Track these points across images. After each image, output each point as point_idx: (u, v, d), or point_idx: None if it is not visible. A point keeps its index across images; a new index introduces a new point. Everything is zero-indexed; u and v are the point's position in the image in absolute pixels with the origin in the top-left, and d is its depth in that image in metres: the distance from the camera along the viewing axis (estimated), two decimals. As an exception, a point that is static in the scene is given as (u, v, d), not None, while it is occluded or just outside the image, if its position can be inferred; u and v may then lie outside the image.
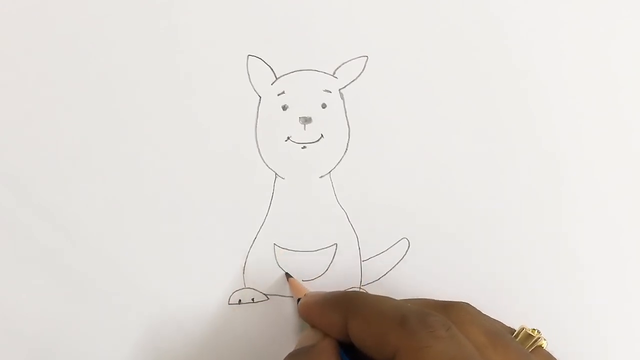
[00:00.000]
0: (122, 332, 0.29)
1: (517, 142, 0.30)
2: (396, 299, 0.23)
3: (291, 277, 0.29)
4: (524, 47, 0.30)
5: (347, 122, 0.29)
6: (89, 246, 0.28)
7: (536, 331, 0.24)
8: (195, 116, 0.28)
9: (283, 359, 0.23)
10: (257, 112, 0.29)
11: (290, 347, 0.28)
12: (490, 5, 0.30)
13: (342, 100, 0.29)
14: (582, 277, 0.31)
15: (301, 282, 0.29)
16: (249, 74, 0.29)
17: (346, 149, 0.29)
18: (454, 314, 0.22)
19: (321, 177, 0.29)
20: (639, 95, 0.31)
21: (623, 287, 0.32)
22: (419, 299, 0.24)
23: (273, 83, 0.29)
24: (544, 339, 0.24)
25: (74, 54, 0.28)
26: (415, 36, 0.29)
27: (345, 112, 0.29)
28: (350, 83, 0.29)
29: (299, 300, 0.27)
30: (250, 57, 0.28)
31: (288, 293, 0.29)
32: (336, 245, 0.30)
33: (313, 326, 0.25)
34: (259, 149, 0.29)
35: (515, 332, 0.25)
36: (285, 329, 0.29)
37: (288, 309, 0.29)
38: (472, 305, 0.24)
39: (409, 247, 0.30)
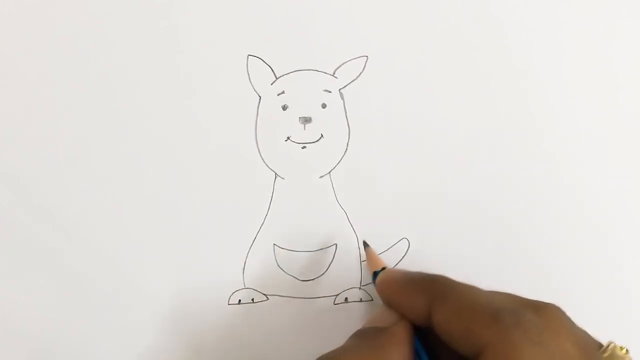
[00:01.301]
0: (122, 332, 0.29)
1: (517, 142, 0.30)
2: (484, 289, 0.22)
3: (368, 246, 0.28)
4: (524, 47, 0.30)
5: (347, 122, 0.29)
6: (89, 246, 0.28)
7: (625, 350, 0.23)
8: (195, 116, 0.28)
9: (350, 337, 0.22)
10: (257, 112, 0.29)
11: (290, 347, 0.28)
12: (490, 5, 0.30)
13: (342, 100, 0.29)
14: (582, 277, 0.31)
15: (378, 254, 0.28)
16: (249, 74, 0.29)
17: (346, 149, 0.29)
18: (545, 317, 0.20)
19: (321, 177, 0.29)
20: (639, 94, 0.31)
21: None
22: (507, 293, 0.22)
23: (273, 83, 0.29)
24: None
25: (74, 54, 0.28)
26: (415, 36, 0.29)
27: (345, 112, 0.29)
28: (350, 83, 0.29)
29: (374, 273, 0.26)
30: (250, 57, 0.28)
31: (288, 293, 0.29)
32: (336, 245, 0.30)
33: (389, 305, 0.24)
34: (259, 149, 0.29)
35: (603, 348, 0.24)
36: (285, 329, 0.29)
37: (288, 309, 0.29)
38: (562, 309, 0.22)
39: (409, 247, 0.30)
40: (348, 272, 0.30)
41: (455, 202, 0.30)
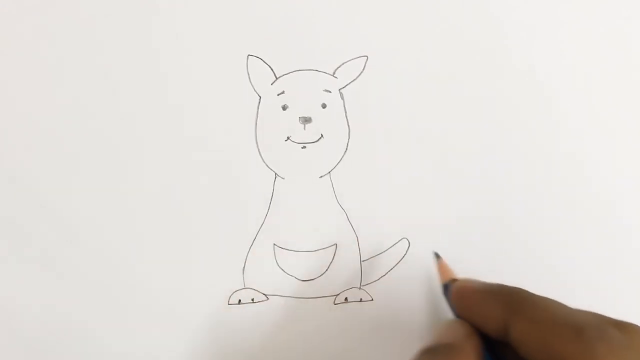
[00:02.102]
0: (121, 332, 0.29)
1: (517, 142, 0.30)
2: (564, 304, 0.21)
3: (440, 257, 0.28)
4: (524, 47, 0.30)
5: (347, 122, 0.29)
6: (89, 246, 0.28)
7: None
8: (195, 116, 0.28)
9: (419, 353, 0.21)
10: (257, 112, 0.29)
11: (290, 347, 0.28)
12: (490, 5, 0.30)
13: (342, 100, 0.29)
14: (587, 278, 0.31)
15: (448, 266, 0.27)
16: (249, 74, 0.29)
17: (346, 149, 0.29)
18: (629, 335, 0.20)
19: (321, 177, 0.29)
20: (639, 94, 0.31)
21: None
22: (589, 311, 0.21)
23: (273, 83, 0.29)
24: None
25: (75, 54, 0.28)
26: (415, 36, 0.29)
27: (345, 112, 0.29)
28: (350, 83, 0.29)
29: (445, 285, 0.25)
30: (250, 57, 0.28)
31: (288, 293, 0.29)
32: (336, 245, 0.30)
33: (462, 316, 0.23)
34: (259, 149, 0.29)
35: None
36: (285, 329, 0.29)
37: (288, 309, 0.29)
38: None
39: (409, 247, 0.30)
40: (348, 272, 0.30)
41: (455, 201, 0.30)
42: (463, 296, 0.24)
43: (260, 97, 0.29)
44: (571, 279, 0.31)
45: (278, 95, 0.29)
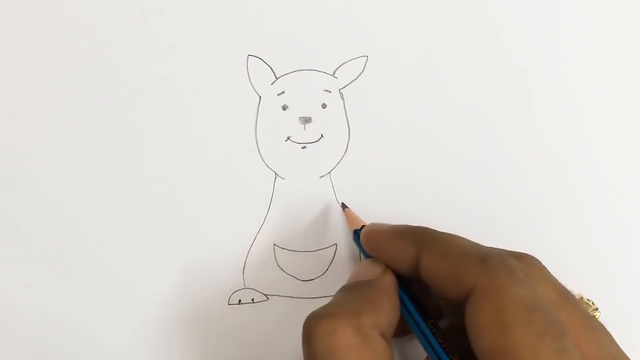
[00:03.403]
0: (121, 332, 0.29)
1: (517, 142, 0.30)
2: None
3: (347, 207, 0.28)
4: (524, 47, 0.30)
5: (347, 122, 0.29)
6: (89, 246, 0.28)
7: (591, 302, 0.24)
8: (195, 116, 0.28)
9: (337, 292, 0.23)
10: (257, 112, 0.29)
11: (291, 347, 0.28)
12: (490, 5, 0.30)
13: (342, 100, 0.29)
14: (589, 277, 0.31)
15: (357, 214, 0.28)
16: (249, 74, 0.29)
17: (346, 149, 0.29)
18: (527, 263, 0.22)
19: (321, 177, 0.29)
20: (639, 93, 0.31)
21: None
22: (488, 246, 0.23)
23: (273, 83, 0.29)
24: (599, 311, 0.24)
25: (74, 54, 0.28)
26: (415, 36, 0.29)
27: (345, 112, 0.29)
28: (350, 83, 0.29)
29: (355, 232, 0.26)
30: (250, 57, 0.29)
31: (288, 293, 0.29)
32: (336, 246, 0.30)
33: (376, 256, 0.25)
34: (259, 149, 0.29)
35: None
36: (285, 329, 0.29)
37: (288, 309, 0.29)
38: (540, 260, 0.23)
39: (409, 247, 0.30)
40: (348, 272, 0.30)
41: (456, 202, 0.30)
42: (373, 237, 0.25)
43: (260, 97, 0.29)
44: (573, 278, 0.31)
45: (278, 95, 0.29)
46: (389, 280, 0.23)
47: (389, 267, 0.24)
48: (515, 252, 0.22)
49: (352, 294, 0.23)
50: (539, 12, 0.30)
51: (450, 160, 0.30)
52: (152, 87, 0.28)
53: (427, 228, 0.23)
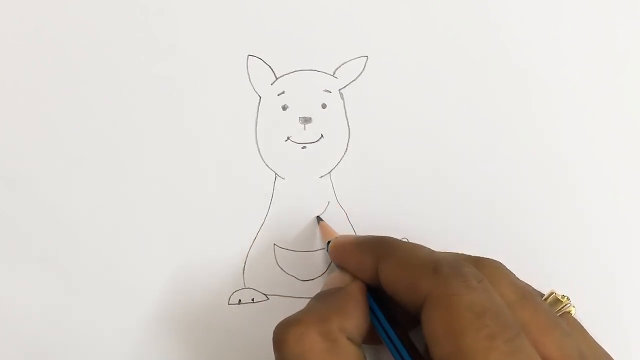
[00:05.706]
0: (121, 332, 0.29)
1: (517, 142, 0.30)
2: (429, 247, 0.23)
3: (322, 220, 0.29)
4: (524, 47, 0.30)
5: (347, 122, 0.29)
6: (88, 246, 0.28)
7: (565, 297, 0.24)
8: (195, 116, 0.28)
9: (310, 300, 0.23)
10: (257, 112, 0.29)
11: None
12: (490, 5, 0.30)
13: (342, 100, 0.29)
14: (588, 278, 0.31)
15: (331, 226, 0.29)
16: (249, 74, 0.29)
17: (346, 149, 0.29)
18: (485, 269, 0.22)
19: (321, 177, 0.29)
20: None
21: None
22: (451, 252, 0.24)
23: (273, 83, 0.29)
24: (573, 306, 0.24)
25: (74, 54, 0.28)
26: (415, 36, 0.29)
27: (345, 112, 0.29)
28: (350, 83, 0.29)
29: (328, 243, 0.27)
30: (250, 57, 0.29)
31: (288, 293, 0.29)
32: (336, 245, 0.30)
33: (342, 268, 0.25)
34: (259, 149, 0.29)
35: (545, 296, 0.24)
36: (285, 329, 0.29)
37: (288, 309, 0.29)
38: (503, 264, 0.23)
39: (409, 247, 0.30)
40: (348, 272, 0.30)
41: (456, 202, 0.30)
42: (338, 249, 0.25)
43: (260, 97, 0.29)
44: (572, 279, 0.31)
45: (278, 95, 0.29)
46: (358, 287, 0.23)
47: (354, 275, 0.24)
48: (474, 257, 0.23)
49: (321, 301, 0.23)
50: (539, 12, 0.30)
51: (450, 160, 0.30)
52: (152, 87, 0.28)
53: (388, 238, 0.24)
